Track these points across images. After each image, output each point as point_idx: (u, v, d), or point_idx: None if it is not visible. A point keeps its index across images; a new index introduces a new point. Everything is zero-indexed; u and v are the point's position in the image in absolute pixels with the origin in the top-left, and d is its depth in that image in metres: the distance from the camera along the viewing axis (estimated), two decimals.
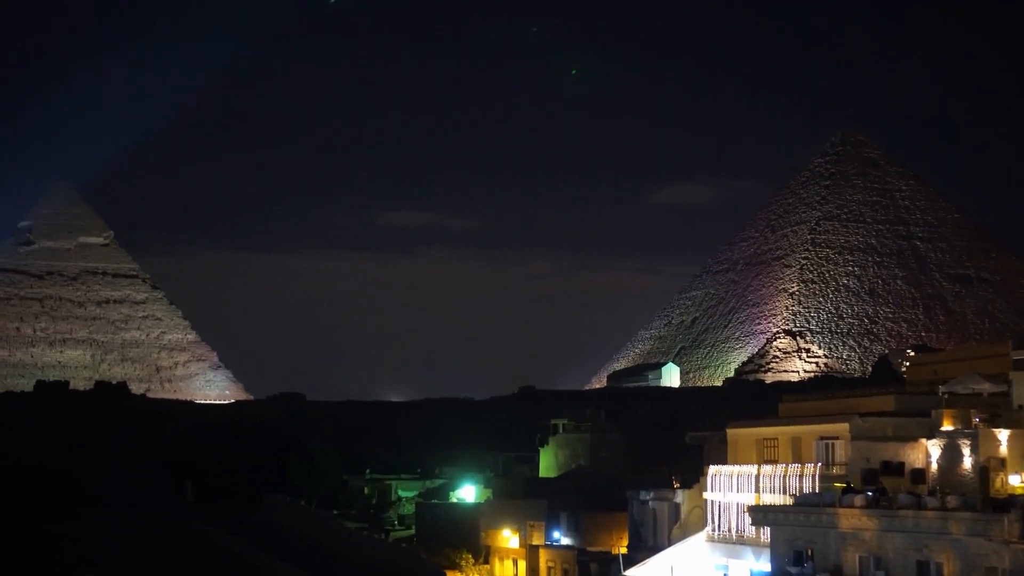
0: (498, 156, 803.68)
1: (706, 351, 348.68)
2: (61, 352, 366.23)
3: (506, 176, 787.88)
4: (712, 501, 76.41)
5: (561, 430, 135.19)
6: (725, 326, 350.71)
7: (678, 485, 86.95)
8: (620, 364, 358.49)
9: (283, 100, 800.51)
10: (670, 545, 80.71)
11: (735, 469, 74.82)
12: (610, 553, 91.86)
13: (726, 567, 74.32)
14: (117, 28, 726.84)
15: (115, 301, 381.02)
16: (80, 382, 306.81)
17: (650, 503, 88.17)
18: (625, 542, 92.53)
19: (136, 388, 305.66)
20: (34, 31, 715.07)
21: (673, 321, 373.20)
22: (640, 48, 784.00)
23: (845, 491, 63.87)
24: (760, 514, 68.45)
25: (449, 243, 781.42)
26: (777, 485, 70.51)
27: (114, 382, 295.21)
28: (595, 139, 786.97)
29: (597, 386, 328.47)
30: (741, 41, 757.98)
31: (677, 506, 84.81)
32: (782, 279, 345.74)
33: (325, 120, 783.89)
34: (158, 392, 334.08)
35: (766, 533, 68.47)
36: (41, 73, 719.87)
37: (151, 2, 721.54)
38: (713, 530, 76.18)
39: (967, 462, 63.47)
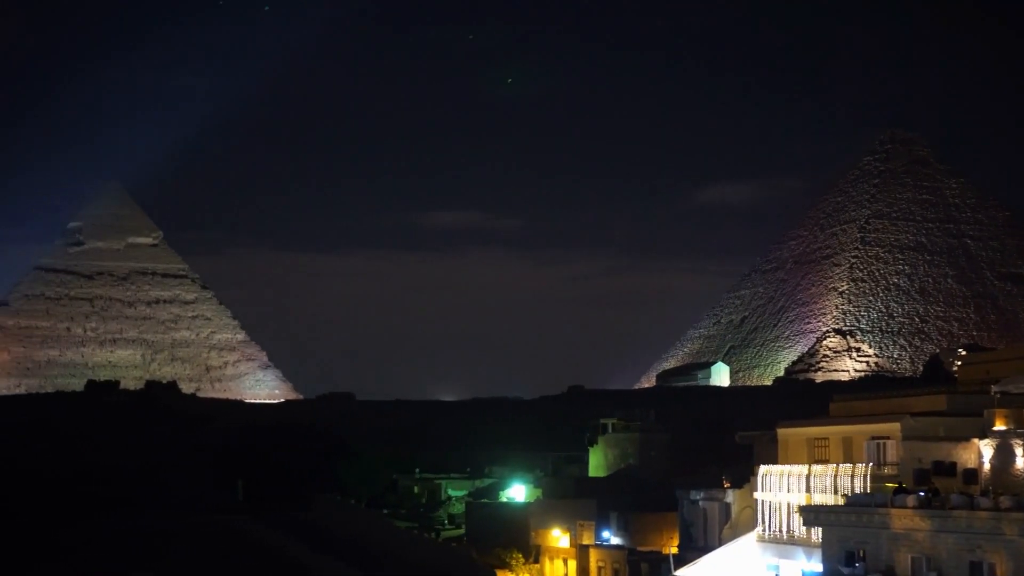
0: (543, 155, 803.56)
1: (755, 350, 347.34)
2: (111, 352, 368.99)
3: (551, 175, 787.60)
4: (763, 501, 76.17)
5: (610, 430, 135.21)
6: (774, 325, 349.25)
7: (728, 485, 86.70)
8: (669, 363, 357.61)
9: (329, 101, 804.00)
10: (721, 545, 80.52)
11: (786, 469, 74.54)
12: (660, 553, 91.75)
13: (777, 567, 74.08)
14: (166, 29, 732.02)
15: (165, 301, 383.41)
16: (130, 382, 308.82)
17: (700, 503, 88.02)
18: (675, 542, 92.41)
19: (186, 388, 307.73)
20: (83, 32, 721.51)
21: (722, 320, 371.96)
22: (689, 48, 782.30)
23: (897, 491, 63.52)
24: (811, 514, 68.17)
25: (495, 243, 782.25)
26: (828, 485, 70.21)
27: (164, 382, 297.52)
28: (642, 138, 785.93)
29: (646, 385, 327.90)
30: (789, 39, 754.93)
31: (727, 506, 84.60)
32: (832, 278, 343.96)
33: (371, 120, 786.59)
34: (208, 392, 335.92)
35: (817, 533, 68.19)
36: (90, 74, 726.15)
37: (199, 4, 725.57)
38: (764, 530, 75.94)
39: (1020, 462, 63.03)
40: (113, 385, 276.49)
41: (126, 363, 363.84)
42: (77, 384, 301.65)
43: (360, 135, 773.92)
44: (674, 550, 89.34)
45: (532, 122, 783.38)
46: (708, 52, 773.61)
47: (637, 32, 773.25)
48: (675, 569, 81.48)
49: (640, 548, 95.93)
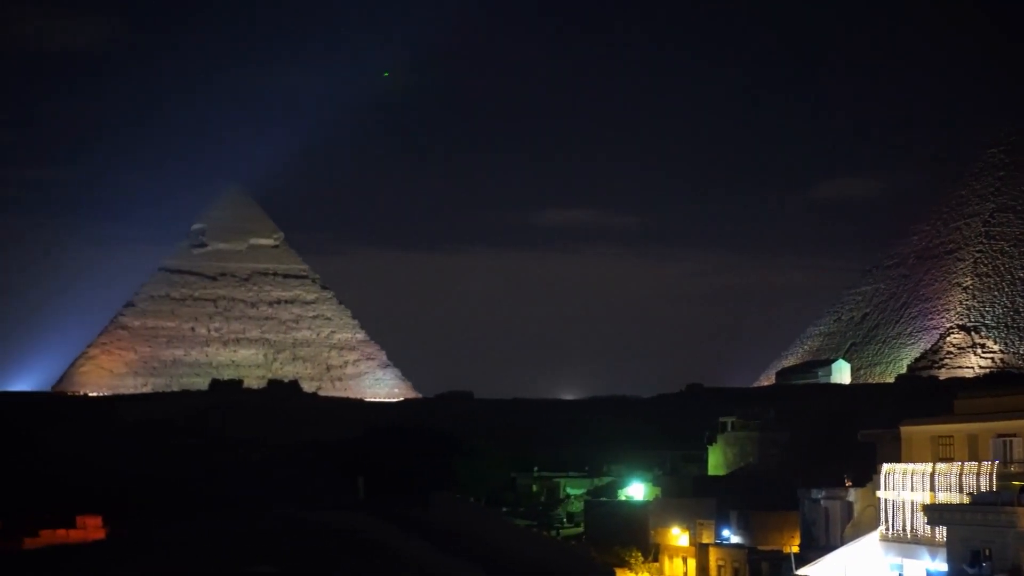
0: (659, 152, 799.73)
1: (877, 347, 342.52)
2: (235, 351, 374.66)
3: (667, 173, 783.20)
4: (886, 500, 75.15)
5: (729, 428, 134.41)
6: (896, 322, 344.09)
7: (850, 484, 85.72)
8: (789, 361, 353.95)
9: (446, 100, 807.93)
10: (843, 544, 79.64)
11: (909, 467, 73.46)
12: (781, 552, 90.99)
13: (900, 567, 73.07)
14: (286, 32, 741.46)
15: (286, 301, 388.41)
16: (253, 381, 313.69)
17: (822, 502, 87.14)
18: (796, 541, 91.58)
19: (307, 387, 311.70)
20: (206, 36, 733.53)
21: (843, 317, 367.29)
22: (806, 41, 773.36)
23: (1023, 490, 62.34)
24: (935, 513, 67.13)
25: (611, 240, 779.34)
26: (953, 483, 69.06)
27: (286, 381, 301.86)
28: (759, 134, 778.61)
29: (765, 383, 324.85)
30: (906, 31, 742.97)
31: (850, 505, 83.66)
32: (955, 273, 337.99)
33: (487, 119, 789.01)
34: (329, 391, 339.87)
35: (942, 532, 67.16)
36: (213, 78, 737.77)
37: (319, 7, 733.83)
38: (887, 529, 74.93)
39: None
40: (236, 384, 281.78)
41: (249, 362, 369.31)
42: (202, 383, 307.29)
43: (476, 133, 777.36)
44: (795, 549, 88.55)
45: (648, 120, 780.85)
46: (825, 45, 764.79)
47: (754, 29, 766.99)
48: (796, 568, 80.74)
49: (760, 547, 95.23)
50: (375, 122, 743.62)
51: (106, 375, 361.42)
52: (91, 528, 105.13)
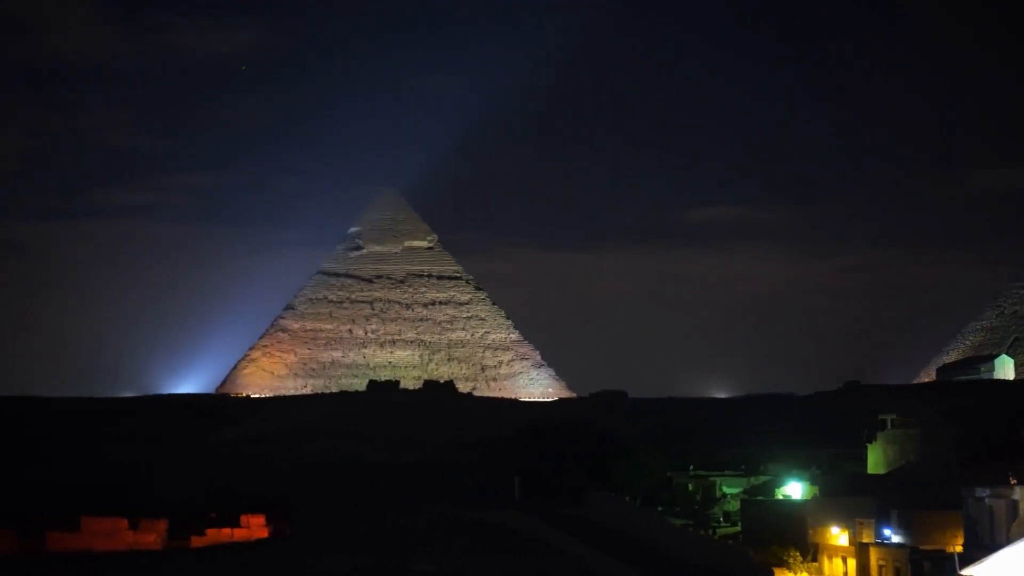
0: (807, 146, 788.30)
1: None
2: (391, 352, 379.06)
3: (816, 166, 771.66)
4: None
5: (889, 426, 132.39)
6: None
7: (1015, 482, 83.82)
8: (950, 357, 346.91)
9: (594, 100, 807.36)
10: (1008, 543, 77.90)
11: None
12: (944, 552, 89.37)
13: None
14: (435, 34, 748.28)
15: (440, 303, 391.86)
16: (409, 381, 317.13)
17: (986, 500, 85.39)
18: (960, 541, 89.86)
19: (462, 387, 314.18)
20: (359, 42, 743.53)
21: (1005, 311, 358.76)
22: (962, 28, 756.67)
23: None
24: None
25: (761, 237, 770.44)
26: None
27: (442, 381, 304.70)
28: (914, 122, 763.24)
29: (926, 380, 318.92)
30: None
31: (1015, 503, 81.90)
32: None
33: (632, 117, 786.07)
34: (484, 391, 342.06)
35: None
36: (365, 81, 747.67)
37: (467, 10, 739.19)
38: None
39: None
40: (393, 385, 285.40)
41: (405, 363, 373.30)
42: (359, 384, 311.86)
43: (624, 131, 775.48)
44: (959, 549, 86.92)
45: (795, 112, 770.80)
46: (986, 30, 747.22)
47: (912, 14, 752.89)
48: (960, 568, 79.21)
49: (922, 547, 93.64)
50: (523, 122, 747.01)
51: (267, 377, 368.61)
52: (255, 527, 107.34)
